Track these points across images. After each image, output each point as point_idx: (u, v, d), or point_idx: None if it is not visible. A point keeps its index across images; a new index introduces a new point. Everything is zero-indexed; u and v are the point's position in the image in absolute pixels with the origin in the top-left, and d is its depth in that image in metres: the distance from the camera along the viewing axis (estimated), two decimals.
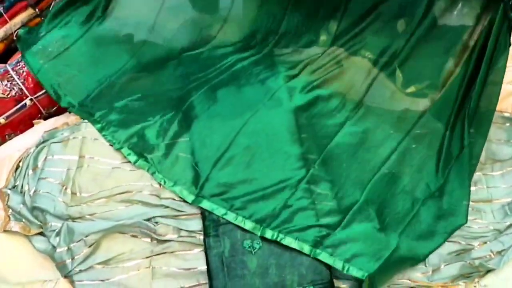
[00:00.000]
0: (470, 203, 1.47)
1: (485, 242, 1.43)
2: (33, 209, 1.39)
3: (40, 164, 1.45)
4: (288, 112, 1.52)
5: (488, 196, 1.54)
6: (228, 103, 1.55)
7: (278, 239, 1.34)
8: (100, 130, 1.54)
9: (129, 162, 1.47)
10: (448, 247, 1.41)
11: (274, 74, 1.64)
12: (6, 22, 1.99)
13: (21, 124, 1.79)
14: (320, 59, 1.77)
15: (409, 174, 1.52)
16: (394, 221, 1.43)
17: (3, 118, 1.76)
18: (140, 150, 1.49)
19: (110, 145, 1.51)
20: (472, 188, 1.53)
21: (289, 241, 1.34)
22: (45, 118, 1.82)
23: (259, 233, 1.35)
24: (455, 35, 1.62)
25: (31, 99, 1.79)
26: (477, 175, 1.57)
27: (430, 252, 1.38)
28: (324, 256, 1.32)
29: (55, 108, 1.84)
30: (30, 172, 1.44)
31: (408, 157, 1.56)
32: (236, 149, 1.46)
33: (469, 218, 1.45)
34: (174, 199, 1.40)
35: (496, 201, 1.53)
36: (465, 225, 1.45)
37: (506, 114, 1.65)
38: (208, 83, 1.62)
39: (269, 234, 1.35)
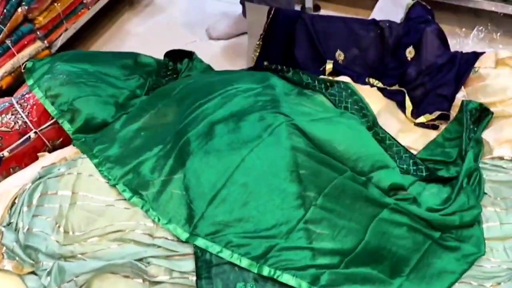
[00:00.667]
0: None
1: (499, 283, 1.36)
2: (26, 247, 1.37)
3: (35, 201, 1.43)
4: (287, 148, 1.47)
5: (501, 234, 1.46)
6: (225, 139, 1.51)
7: (275, 276, 1.29)
8: (97, 166, 1.52)
9: (123, 199, 1.44)
10: None
11: (275, 108, 1.60)
12: (14, 55, 2.02)
13: (26, 157, 1.80)
14: None
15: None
16: (399, 263, 1.36)
17: (7, 151, 1.76)
18: (135, 186, 1.46)
19: (106, 182, 1.48)
20: (484, 226, 1.47)
21: (287, 278, 1.29)
22: (50, 151, 1.83)
23: (256, 270, 1.30)
24: None
25: (35, 132, 1.79)
26: (489, 211, 1.50)
27: None
28: None
29: (60, 140, 1.85)
30: (25, 209, 1.43)
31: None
32: (232, 186, 1.41)
33: None
34: (167, 239, 1.36)
35: (510, 238, 1.45)
36: (476, 264, 1.38)
37: (506, 157, 1.62)
38: (206, 117, 1.59)
39: (266, 271, 1.30)
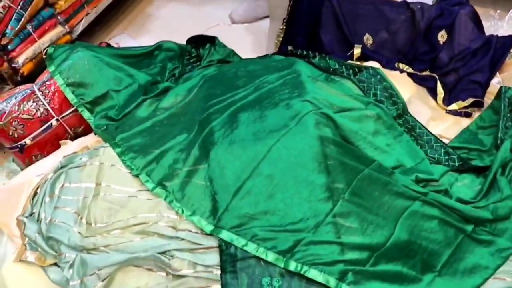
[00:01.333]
0: None
1: None
2: (48, 238, 1.35)
3: (57, 191, 1.41)
4: (315, 137, 1.41)
5: None
6: (250, 128, 1.46)
7: (302, 272, 1.25)
8: (120, 155, 1.49)
9: (146, 189, 1.41)
10: (492, 284, 1.29)
11: (301, 96, 1.54)
12: (35, 40, 1.99)
13: (48, 145, 1.79)
14: None
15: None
16: (430, 258, 1.31)
17: (30, 139, 1.75)
18: (159, 177, 1.42)
19: (128, 172, 1.45)
20: None
21: (314, 273, 1.24)
22: (72, 138, 1.81)
23: (282, 265, 1.26)
24: None
25: (57, 119, 1.77)
26: None
27: None
28: None
29: (82, 127, 1.83)
30: (47, 199, 1.41)
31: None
32: (258, 178, 1.36)
33: None
34: (190, 231, 1.33)
35: None
36: (510, 259, 1.33)
37: None
38: (230, 106, 1.54)
39: (292, 266, 1.26)
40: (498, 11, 2.20)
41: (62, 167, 1.48)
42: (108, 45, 2.29)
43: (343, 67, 1.80)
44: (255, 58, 1.97)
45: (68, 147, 1.69)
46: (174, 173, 1.42)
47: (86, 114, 1.75)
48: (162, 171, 1.43)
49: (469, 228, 1.38)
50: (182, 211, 1.36)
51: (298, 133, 1.42)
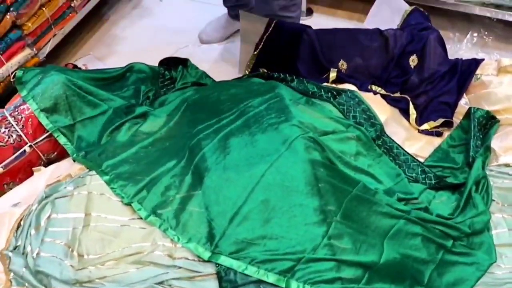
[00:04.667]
0: None
1: None
2: (37, 273, 1.29)
3: (43, 223, 1.36)
4: (306, 161, 1.44)
5: (510, 240, 1.48)
6: (242, 153, 1.47)
7: None
8: (109, 183, 1.45)
9: (138, 218, 1.39)
10: None
11: (289, 120, 1.57)
12: (2, 63, 1.92)
13: (21, 172, 1.71)
14: None
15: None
16: (418, 274, 1.36)
17: (1, 167, 1.67)
18: (152, 204, 1.40)
19: (119, 200, 1.42)
20: (493, 232, 1.49)
21: None
22: (45, 165, 1.75)
23: (284, 285, 1.28)
24: None
25: (30, 146, 1.71)
26: (497, 218, 1.52)
27: None
28: None
29: (55, 153, 1.77)
30: (33, 231, 1.35)
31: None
32: (253, 203, 1.38)
33: None
34: (187, 259, 1.32)
35: None
36: (488, 271, 1.39)
37: None
38: (219, 131, 1.54)
39: (294, 285, 1.28)
40: (457, 34, 2.33)
41: (46, 197, 1.43)
42: (75, 66, 2.24)
43: (322, 90, 1.84)
44: (234, 80, 1.98)
45: (42, 174, 1.64)
46: (168, 200, 1.41)
47: (62, 140, 1.69)
48: (154, 199, 1.41)
49: (449, 243, 1.44)
50: (178, 239, 1.34)
51: (289, 157, 1.45)
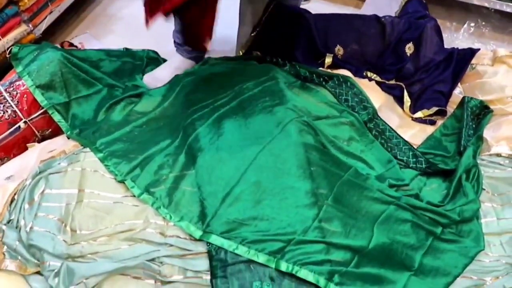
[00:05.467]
0: None
1: (497, 277, 1.39)
2: (30, 246, 1.31)
3: (37, 198, 1.37)
4: (299, 145, 1.45)
5: (497, 229, 1.50)
6: (236, 134, 1.48)
7: (294, 272, 1.28)
8: (102, 160, 1.46)
9: (131, 195, 1.40)
10: (460, 283, 1.37)
11: (283, 103, 1.58)
12: None
13: (15, 148, 1.72)
14: None
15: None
16: (407, 259, 1.38)
17: None
18: (145, 183, 1.42)
19: (112, 177, 1.43)
20: (482, 221, 1.51)
21: (305, 273, 1.28)
22: (39, 141, 1.75)
23: (273, 265, 1.29)
24: None
25: (25, 122, 1.71)
26: (486, 207, 1.54)
27: None
28: None
29: (50, 130, 1.77)
30: (26, 206, 1.36)
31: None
32: (245, 184, 1.39)
33: None
34: (179, 237, 1.33)
35: (507, 233, 1.49)
36: (476, 259, 1.42)
37: (504, 154, 1.66)
38: (214, 112, 1.55)
39: (284, 266, 1.29)
40: (454, 24, 2.33)
41: (40, 172, 1.43)
42: (71, 44, 2.23)
43: (313, 75, 1.84)
44: (229, 60, 1.97)
45: (36, 148, 1.65)
46: (161, 179, 1.42)
47: (56, 117, 1.70)
48: (148, 177, 1.42)
49: (438, 230, 1.46)
50: (170, 217, 1.36)
51: (282, 140, 1.46)
